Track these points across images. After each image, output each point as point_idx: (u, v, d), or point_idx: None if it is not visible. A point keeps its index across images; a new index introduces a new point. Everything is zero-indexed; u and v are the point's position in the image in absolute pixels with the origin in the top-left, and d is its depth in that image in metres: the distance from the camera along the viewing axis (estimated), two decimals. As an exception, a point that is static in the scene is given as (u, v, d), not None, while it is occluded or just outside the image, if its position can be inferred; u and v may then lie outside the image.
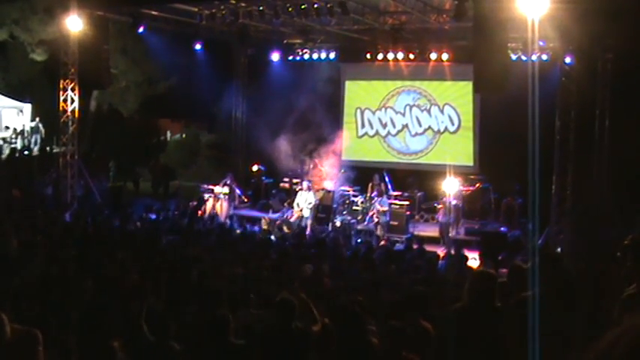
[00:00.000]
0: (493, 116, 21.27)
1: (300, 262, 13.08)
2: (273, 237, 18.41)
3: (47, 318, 8.78)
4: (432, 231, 20.49)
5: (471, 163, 23.20)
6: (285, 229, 20.12)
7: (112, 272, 11.55)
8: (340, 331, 6.27)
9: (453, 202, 20.09)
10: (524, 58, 20.26)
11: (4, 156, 24.16)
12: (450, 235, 19.68)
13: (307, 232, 19.63)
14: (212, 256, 13.92)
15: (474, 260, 15.16)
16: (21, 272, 11.63)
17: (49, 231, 16.01)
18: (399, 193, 21.70)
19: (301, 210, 20.90)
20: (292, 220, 20.83)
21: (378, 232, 19.94)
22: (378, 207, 20.26)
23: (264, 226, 20.50)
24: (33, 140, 26.42)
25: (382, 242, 18.51)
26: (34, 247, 14.02)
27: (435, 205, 20.92)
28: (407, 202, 20.92)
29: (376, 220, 20.17)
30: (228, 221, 21.18)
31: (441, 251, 16.63)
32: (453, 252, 15.68)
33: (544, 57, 19.72)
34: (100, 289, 10.36)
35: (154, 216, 20.41)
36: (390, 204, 20.52)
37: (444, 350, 5.68)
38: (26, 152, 25.27)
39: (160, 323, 7.15)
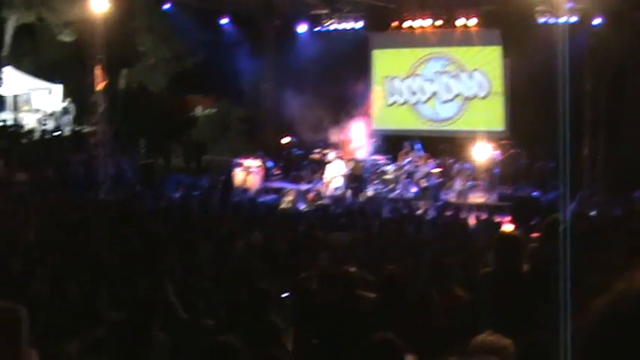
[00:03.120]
0: (523, 80, 21.03)
1: (331, 232, 13.11)
2: (303, 208, 18.46)
3: (82, 295, 8.89)
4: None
5: (502, 128, 22.99)
6: (316, 199, 20.14)
7: (145, 249, 11.65)
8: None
9: (484, 168, 20.03)
10: (552, 20, 19.99)
11: (36, 138, 24.37)
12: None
13: (338, 202, 19.63)
14: (245, 230, 13.99)
15: (506, 226, 15.11)
16: (55, 252, 11.78)
17: (82, 210, 16.16)
18: (431, 160, 21.61)
19: (332, 180, 20.89)
20: (323, 190, 20.85)
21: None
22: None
23: (291, 198, 20.53)
24: (64, 121, 26.61)
25: (418, 209, 18.50)
26: (68, 226, 14.17)
27: (463, 170, 20.81)
28: (438, 170, 20.87)
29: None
30: (259, 194, 21.25)
31: (474, 217, 16.59)
32: (484, 218, 15.65)
33: (573, 19, 19.44)
34: (134, 266, 10.47)
35: (187, 191, 20.53)
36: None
37: (475, 316, 5.67)
38: (57, 133, 25.46)
39: (195, 300, 7.20)
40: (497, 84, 23.24)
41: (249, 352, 4.25)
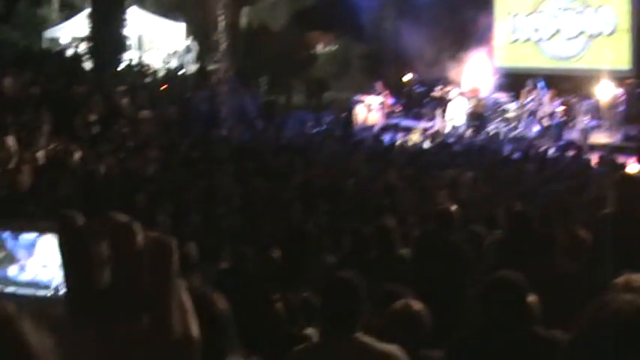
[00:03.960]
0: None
1: (452, 170, 12.93)
2: (424, 145, 18.29)
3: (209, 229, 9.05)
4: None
5: (628, 67, 22.02)
6: (437, 137, 19.93)
7: (266, 185, 11.77)
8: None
9: (608, 107, 19.35)
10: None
11: (160, 76, 24.86)
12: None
13: (460, 140, 19.38)
14: (366, 167, 13.94)
15: (631, 166, 14.48)
16: (182, 188, 12.05)
17: (206, 147, 16.43)
18: (554, 99, 20.95)
19: (454, 118, 20.64)
20: (445, 128, 20.61)
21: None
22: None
23: (413, 135, 20.36)
24: (187, 59, 27.05)
25: (540, 147, 18.02)
26: (193, 164, 14.46)
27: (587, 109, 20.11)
28: (561, 108, 20.25)
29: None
30: (381, 131, 21.14)
31: (596, 157, 15.98)
32: (607, 158, 15.07)
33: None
34: (255, 201, 10.59)
35: (307, 128, 20.64)
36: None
37: (597, 257, 5.44)
38: (181, 71, 25.91)
39: (317, 237, 7.18)
40: (624, 21, 22.23)
41: (370, 288, 4.16)
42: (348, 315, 3.77)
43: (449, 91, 22.06)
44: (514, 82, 22.21)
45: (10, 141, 16.62)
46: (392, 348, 3.72)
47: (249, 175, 12.73)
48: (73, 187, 13.23)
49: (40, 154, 16.05)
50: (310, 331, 4.90)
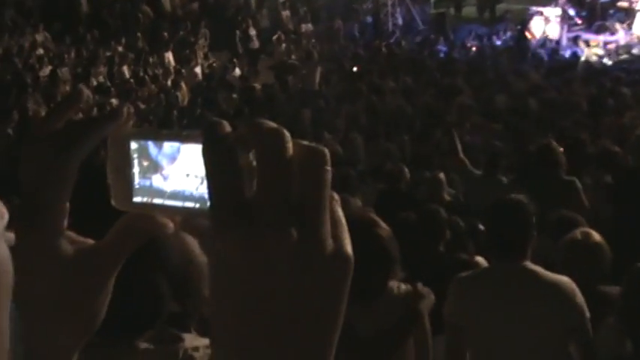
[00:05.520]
0: None
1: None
2: (608, 61, 17.74)
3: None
4: None
5: None
6: (622, 53, 19.13)
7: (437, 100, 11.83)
8: None
9: None
10: None
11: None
12: None
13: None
14: (546, 81, 13.73)
15: None
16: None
17: (372, 60, 16.56)
18: None
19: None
20: (632, 43, 19.76)
21: None
22: None
23: (595, 50, 19.65)
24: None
25: None
26: (358, 77, 14.67)
27: None
28: None
29: None
30: (559, 44, 20.52)
31: None
32: None
33: None
34: (424, 116, 10.63)
35: (480, 41, 20.45)
36: None
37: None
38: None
39: (492, 156, 7.12)
40: None
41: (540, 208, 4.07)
42: (518, 241, 3.68)
43: (637, 1, 21.15)
44: None
45: (169, 57, 17.25)
46: (564, 279, 3.61)
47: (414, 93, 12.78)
48: (231, 103, 13.67)
49: (198, 70, 16.58)
50: (479, 259, 4.84)
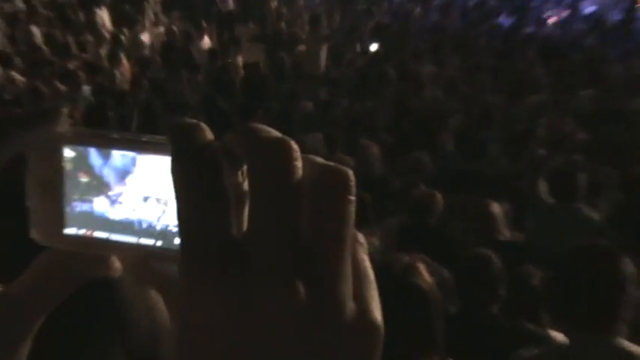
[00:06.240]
0: None
1: None
2: None
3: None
4: None
5: None
6: None
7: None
8: None
9: None
10: None
11: None
12: None
13: None
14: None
15: None
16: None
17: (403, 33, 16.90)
18: None
19: None
20: None
21: None
22: None
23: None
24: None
25: None
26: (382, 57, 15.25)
27: None
28: None
29: None
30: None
31: None
32: None
33: None
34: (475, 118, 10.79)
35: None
36: None
37: None
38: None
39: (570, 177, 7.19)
40: None
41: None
42: (609, 306, 3.68)
43: None
44: None
45: (104, 17, 16.52)
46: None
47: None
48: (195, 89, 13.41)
49: (146, 38, 16.03)
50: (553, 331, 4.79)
